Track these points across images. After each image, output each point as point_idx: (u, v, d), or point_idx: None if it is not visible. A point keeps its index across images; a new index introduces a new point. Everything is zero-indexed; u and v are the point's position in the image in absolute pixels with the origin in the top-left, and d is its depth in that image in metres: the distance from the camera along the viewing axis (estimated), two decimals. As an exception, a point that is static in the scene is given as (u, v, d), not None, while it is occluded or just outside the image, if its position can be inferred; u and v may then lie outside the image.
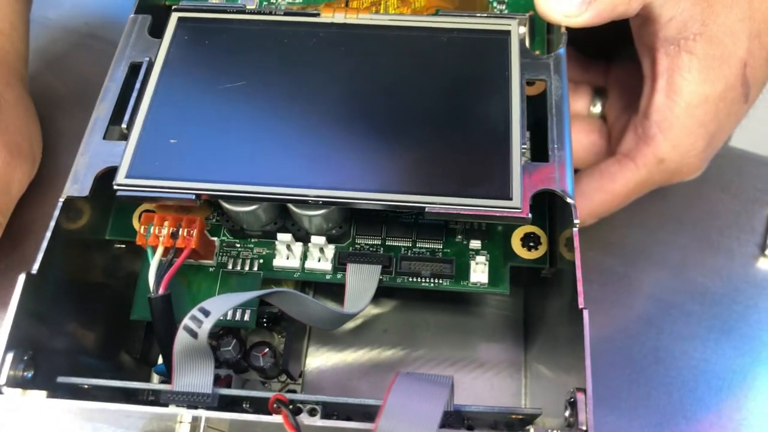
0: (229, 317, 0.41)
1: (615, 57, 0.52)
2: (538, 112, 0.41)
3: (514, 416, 0.35)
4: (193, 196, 0.38)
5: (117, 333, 0.45)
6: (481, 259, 0.41)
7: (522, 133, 0.38)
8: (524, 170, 0.38)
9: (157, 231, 0.39)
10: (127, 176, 0.38)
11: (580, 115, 0.51)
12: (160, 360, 0.47)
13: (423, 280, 0.41)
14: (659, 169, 0.45)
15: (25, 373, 0.35)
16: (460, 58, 0.42)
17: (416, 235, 0.42)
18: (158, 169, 0.38)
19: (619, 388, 0.48)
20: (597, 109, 0.51)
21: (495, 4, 0.48)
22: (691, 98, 0.43)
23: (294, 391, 0.48)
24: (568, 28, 0.42)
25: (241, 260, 0.42)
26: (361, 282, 0.40)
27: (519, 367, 0.49)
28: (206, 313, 0.34)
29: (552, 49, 0.43)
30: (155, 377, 0.47)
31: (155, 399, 0.37)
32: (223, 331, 0.43)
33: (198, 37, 0.43)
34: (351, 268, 0.40)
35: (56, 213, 0.38)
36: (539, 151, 0.40)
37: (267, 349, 0.43)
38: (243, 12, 0.44)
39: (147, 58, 0.42)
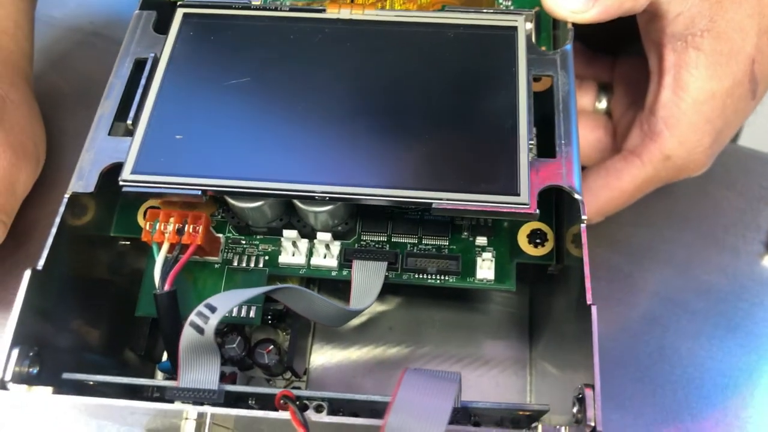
0: (234, 314, 0.41)
1: (621, 52, 0.52)
2: (544, 108, 0.41)
3: (521, 413, 0.35)
4: (199, 192, 0.38)
5: (121, 330, 0.45)
6: (487, 255, 0.41)
7: (529, 129, 0.38)
8: (531, 166, 0.38)
9: (162, 227, 0.39)
10: (133, 172, 0.38)
11: (586, 111, 0.51)
12: (165, 357, 0.47)
13: (429, 277, 0.41)
14: (665, 165, 0.45)
15: (31, 369, 0.35)
16: (466, 54, 0.41)
17: (422, 231, 0.42)
18: (164, 164, 0.38)
19: (624, 386, 0.48)
20: (602, 105, 0.51)
21: (501, 0, 0.47)
22: (698, 94, 0.43)
23: (298, 389, 0.48)
24: (574, 24, 0.42)
25: (246, 257, 0.42)
26: (367, 278, 0.40)
27: (524, 365, 0.49)
28: (212, 309, 0.34)
29: (558, 45, 0.43)
30: (159, 374, 0.47)
31: (160, 396, 0.37)
32: (227, 328, 0.43)
33: (203, 33, 0.43)
34: (357, 264, 0.40)
35: (61, 209, 0.38)
36: (546, 148, 0.39)
37: (272, 347, 0.43)
38: (248, 8, 0.44)
39: (152, 54, 0.42)
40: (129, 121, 0.40)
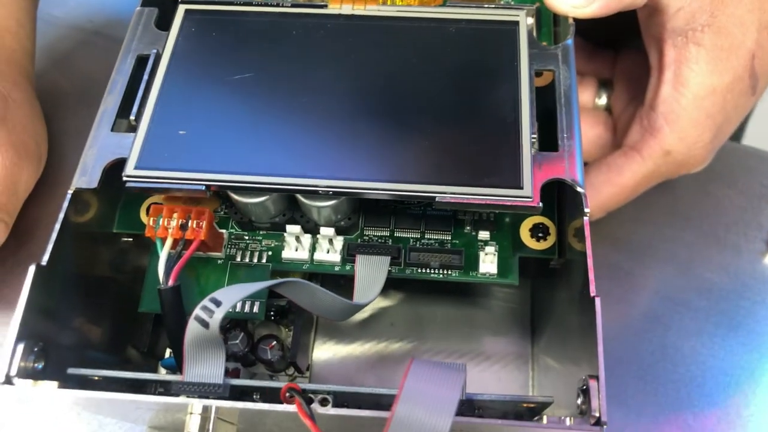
0: (238, 309, 0.41)
1: (622, 47, 0.52)
2: (546, 103, 0.41)
3: (525, 405, 0.35)
4: (203, 187, 0.38)
5: (124, 327, 0.45)
6: (489, 249, 0.41)
7: (531, 123, 0.39)
8: (534, 160, 0.38)
9: (166, 223, 0.39)
10: (136, 167, 0.38)
11: (586, 107, 0.51)
12: (167, 354, 0.47)
13: (432, 271, 0.41)
14: (666, 161, 0.45)
15: (36, 365, 0.35)
16: (468, 49, 0.42)
17: (425, 226, 0.42)
18: (167, 160, 0.38)
19: (626, 384, 0.48)
20: (602, 101, 0.51)
21: (502, -4, 0.48)
22: (698, 90, 0.43)
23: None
24: (575, 19, 0.42)
25: (249, 252, 0.42)
26: (371, 273, 0.40)
27: (526, 360, 0.49)
28: (217, 303, 0.34)
29: (559, 42, 0.43)
30: (162, 371, 0.47)
31: (165, 391, 0.37)
32: (230, 324, 0.43)
33: (205, 29, 0.43)
34: (360, 259, 0.40)
35: (65, 205, 0.38)
36: (548, 142, 0.40)
37: (275, 342, 0.43)
38: (250, 4, 0.44)
39: (154, 51, 0.42)
40: (132, 117, 0.40)
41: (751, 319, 0.50)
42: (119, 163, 0.39)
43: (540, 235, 0.42)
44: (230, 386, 0.34)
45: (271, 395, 0.36)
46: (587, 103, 0.51)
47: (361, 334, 0.50)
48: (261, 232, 0.43)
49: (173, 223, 0.39)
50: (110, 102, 0.41)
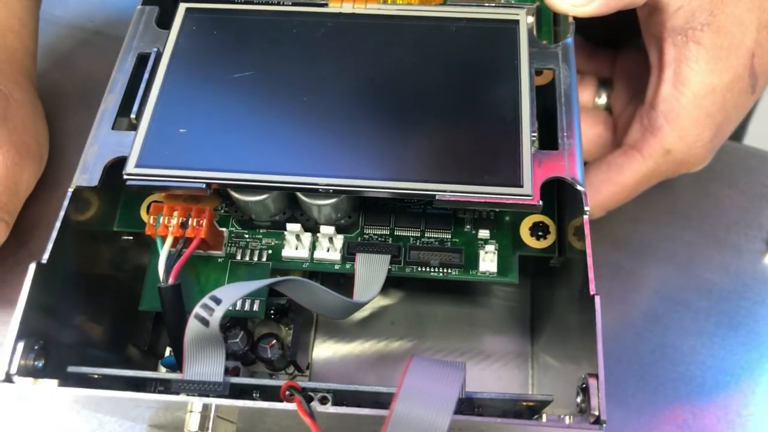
0: (238, 307, 0.41)
1: (622, 46, 0.52)
2: (546, 102, 0.41)
3: (525, 403, 0.35)
4: (204, 185, 0.38)
5: (124, 325, 0.45)
6: (489, 248, 0.41)
7: (531, 121, 0.39)
8: (534, 158, 0.38)
9: (166, 221, 0.39)
10: (137, 165, 0.38)
11: (586, 106, 0.51)
12: (168, 352, 0.47)
13: (432, 270, 0.41)
14: (666, 160, 0.45)
15: (36, 363, 0.35)
16: (468, 48, 0.42)
17: (425, 224, 0.42)
18: (168, 158, 0.38)
19: (626, 383, 0.48)
20: (602, 100, 0.51)
21: (502, -6, 0.48)
22: (698, 89, 0.43)
23: (302, 383, 0.48)
24: (575, 18, 0.42)
25: (249, 251, 0.42)
26: (371, 271, 0.40)
27: (526, 358, 0.49)
28: (217, 301, 0.34)
29: (559, 41, 0.43)
30: (163, 370, 0.47)
31: (165, 389, 0.37)
32: (230, 323, 0.43)
33: (206, 28, 0.43)
34: (360, 257, 0.40)
35: (65, 203, 0.38)
36: (548, 140, 0.40)
37: (275, 341, 0.43)
38: (251, 2, 0.44)
39: (155, 49, 0.42)
40: (132, 116, 0.40)
41: (751, 319, 0.50)
42: (120, 162, 0.39)
43: (540, 233, 0.42)
44: (230, 384, 0.35)
45: (270, 394, 0.36)
46: (587, 102, 0.51)
47: (361, 333, 0.50)
48: (261, 231, 0.43)
49: (174, 222, 0.39)
50: (111, 100, 0.41)
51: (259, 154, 0.39)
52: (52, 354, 0.36)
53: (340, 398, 0.34)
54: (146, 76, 0.42)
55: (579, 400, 0.33)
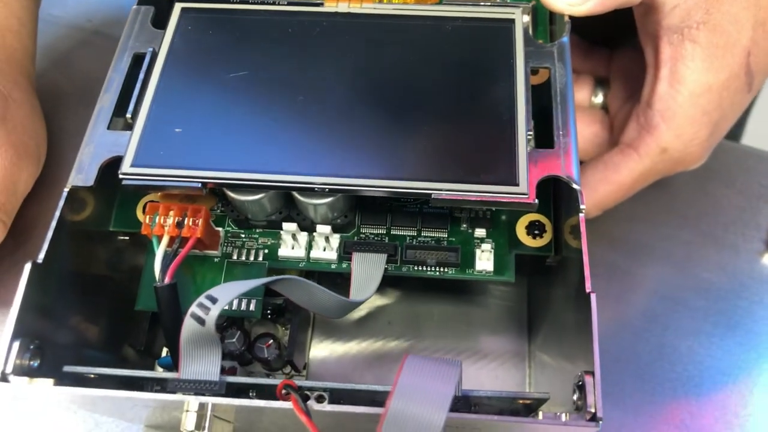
0: (234, 307, 0.41)
1: (618, 45, 0.52)
2: (542, 101, 0.41)
3: (521, 401, 0.35)
4: (200, 185, 0.38)
5: (120, 326, 0.45)
6: (486, 247, 0.41)
7: (527, 120, 0.39)
8: (530, 157, 0.38)
9: (162, 221, 0.39)
10: (133, 165, 0.38)
11: (582, 106, 0.51)
12: (164, 353, 0.47)
13: (428, 269, 0.41)
14: (662, 158, 0.45)
15: (32, 362, 0.35)
16: (464, 47, 0.42)
17: (421, 224, 0.42)
18: (164, 158, 0.38)
19: (623, 383, 0.48)
20: (599, 99, 0.51)
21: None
22: (694, 87, 0.43)
23: (299, 383, 0.48)
24: (571, 17, 0.42)
25: (246, 250, 0.42)
26: (367, 270, 0.40)
27: (523, 358, 0.49)
28: (213, 300, 0.34)
29: (555, 39, 0.43)
30: (159, 370, 0.47)
31: (161, 389, 0.37)
32: (227, 323, 0.43)
33: (201, 28, 0.43)
34: (356, 257, 0.41)
35: (61, 203, 0.38)
36: (544, 139, 0.40)
37: (271, 341, 0.43)
38: (246, 2, 0.44)
39: (150, 49, 0.43)
40: (128, 115, 0.40)
41: (748, 318, 0.50)
42: (115, 161, 0.39)
43: (536, 232, 0.42)
44: (226, 383, 0.34)
45: (267, 392, 0.36)
46: (584, 101, 0.51)
47: (358, 333, 0.50)
48: (257, 230, 0.43)
49: (169, 221, 0.39)
50: (106, 100, 0.41)
51: (255, 153, 0.39)
52: (48, 354, 0.36)
53: (337, 397, 0.34)
54: (142, 75, 0.42)
55: (575, 397, 0.33)
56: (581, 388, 0.33)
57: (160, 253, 0.38)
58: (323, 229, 0.41)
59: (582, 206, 0.37)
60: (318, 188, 0.38)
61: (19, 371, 0.34)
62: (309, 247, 0.42)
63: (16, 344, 0.34)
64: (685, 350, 0.49)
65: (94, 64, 0.60)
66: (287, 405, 0.32)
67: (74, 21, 0.66)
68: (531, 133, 0.39)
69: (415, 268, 0.41)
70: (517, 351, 0.49)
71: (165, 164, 0.38)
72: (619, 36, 0.51)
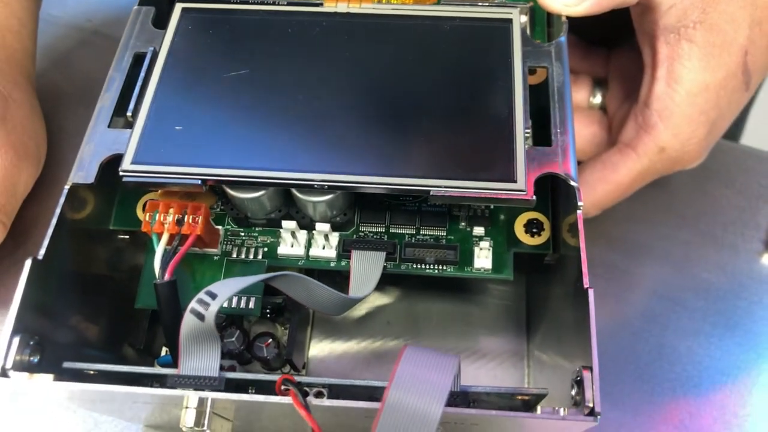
0: (234, 305, 0.41)
1: (616, 45, 0.52)
2: (540, 101, 0.42)
3: (520, 397, 0.35)
4: (200, 182, 0.38)
5: (120, 325, 0.45)
6: (484, 245, 0.41)
7: (525, 118, 0.39)
8: (527, 154, 0.38)
9: (162, 218, 0.39)
10: (133, 162, 0.38)
11: (580, 106, 0.51)
12: (164, 352, 0.47)
13: (427, 267, 0.41)
14: (660, 157, 0.45)
15: (32, 358, 0.35)
16: (462, 46, 0.42)
17: (420, 222, 0.42)
18: (164, 155, 0.39)
19: (623, 383, 0.48)
20: (597, 99, 0.51)
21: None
22: (691, 86, 0.43)
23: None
24: (568, 17, 0.42)
25: (245, 248, 0.42)
26: (366, 268, 0.40)
27: (522, 356, 0.49)
28: (213, 296, 0.34)
29: (552, 39, 0.44)
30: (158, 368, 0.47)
31: (160, 385, 0.37)
32: (226, 321, 0.43)
33: (202, 28, 0.43)
34: (355, 254, 0.41)
35: (61, 200, 0.38)
36: (542, 138, 0.40)
37: (270, 340, 0.43)
38: (246, 2, 0.44)
39: (151, 49, 0.43)
40: (129, 113, 0.40)
41: (748, 319, 0.51)
42: (116, 159, 0.39)
43: (534, 230, 0.42)
44: (226, 379, 0.35)
45: (266, 388, 0.36)
46: (582, 102, 0.52)
47: (358, 332, 0.51)
48: (257, 229, 0.43)
49: (169, 218, 0.39)
50: (107, 99, 0.41)
51: (255, 151, 0.39)
52: (48, 350, 0.36)
53: (336, 393, 0.35)
54: (142, 75, 0.42)
55: (573, 392, 0.33)
56: (579, 383, 0.33)
57: (159, 250, 0.39)
58: (322, 227, 0.41)
59: (580, 203, 0.37)
60: (317, 185, 0.38)
61: (19, 367, 0.34)
62: (308, 245, 0.42)
63: (16, 340, 0.34)
64: (684, 350, 0.49)
65: (94, 64, 0.61)
66: (287, 400, 0.32)
67: (74, 21, 0.66)
68: (529, 131, 0.39)
69: (414, 266, 0.42)
70: (515, 350, 0.50)
71: (165, 162, 0.38)
72: (616, 36, 0.52)
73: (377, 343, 0.50)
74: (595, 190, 0.47)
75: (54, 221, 0.37)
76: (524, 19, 0.43)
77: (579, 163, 0.46)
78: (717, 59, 0.43)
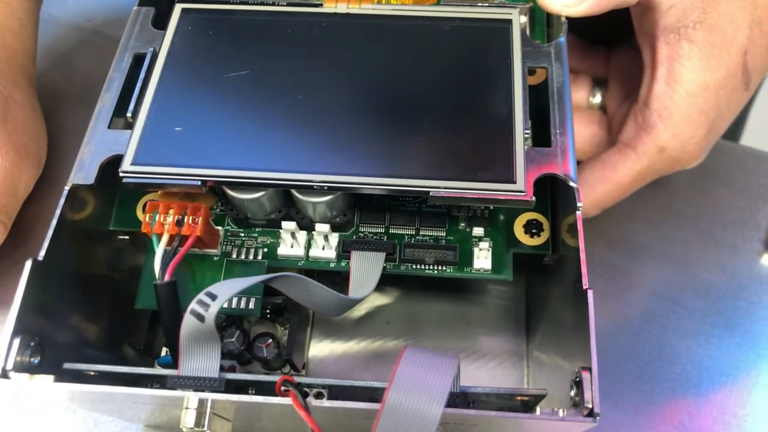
0: (234, 305, 0.41)
1: (616, 44, 0.52)
2: (539, 102, 0.41)
3: (519, 398, 0.35)
4: (199, 183, 0.38)
5: (120, 325, 0.45)
6: (484, 245, 0.41)
7: (524, 119, 0.39)
8: (527, 155, 0.38)
9: (162, 219, 0.39)
10: (133, 163, 0.38)
11: (580, 106, 0.51)
12: (164, 352, 0.47)
13: (427, 267, 0.42)
14: (660, 157, 0.45)
15: (32, 359, 0.35)
16: (462, 47, 0.42)
17: (420, 222, 0.42)
18: (164, 156, 0.39)
19: (622, 383, 0.48)
20: (597, 99, 0.51)
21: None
22: (691, 86, 0.43)
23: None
24: (568, 18, 0.42)
25: (245, 249, 0.42)
26: (366, 269, 0.40)
27: (521, 357, 0.49)
28: (213, 297, 0.34)
29: (552, 40, 0.44)
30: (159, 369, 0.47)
31: (160, 386, 0.37)
32: (226, 322, 0.43)
33: (202, 28, 0.43)
34: (355, 255, 0.41)
35: (62, 201, 0.38)
36: (541, 139, 0.40)
37: (270, 340, 0.43)
38: (246, 2, 0.44)
39: (151, 49, 0.43)
40: (128, 114, 0.40)
41: (747, 319, 0.51)
42: (116, 160, 0.39)
43: (534, 231, 0.42)
44: (226, 380, 0.35)
45: (266, 389, 0.36)
46: (582, 101, 0.52)
47: (357, 332, 0.51)
48: (257, 229, 0.43)
49: (169, 219, 0.39)
50: (107, 100, 0.41)
51: (255, 152, 0.39)
52: (48, 351, 0.36)
53: (336, 394, 0.35)
54: (142, 75, 0.42)
55: (573, 393, 0.33)
56: (578, 384, 0.33)
57: (159, 250, 0.39)
58: (322, 227, 0.41)
59: (579, 204, 0.37)
60: (317, 186, 0.38)
61: (20, 368, 0.34)
62: (308, 245, 0.42)
63: (17, 341, 0.34)
64: (684, 350, 0.49)
65: (94, 64, 0.61)
66: (286, 401, 0.33)
67: (74, 21, 0.66)
68: (528, 131, 0.39)
69: (414, 266, 0.42)
70: (515, 350, 0.50)
71: (165, 162, 0.38)
72: (616, 35, 0.52)
73: (377, 343, 0.50)
74: (595, 190, 0.47)
75: (54, 222, 0.37)
76: (524, 19, 0.43)
77: (579, 162, 0.47)
78: (717, 59, 0.43)
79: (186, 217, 0.39)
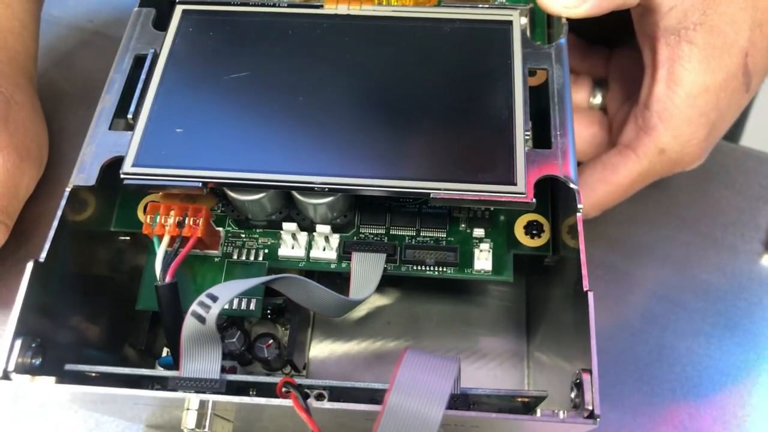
0: (234, 306, 0.41)
1: (617, 45, 0.52)
2: (540, 103, 0.42)
3: (520, 399, 0.35)
4: (200, 184, 0.38)
5: (121, 326, 0.45)
6: (484, 246, 0.41)
7: (525, 120, 0.39)
8: (527, 157, 0.38)
9: (163, 220, 0.39)
10: (134, 165, 0.39)
11: (580, 107, 0.51)
12: (165, 353, 0.47)
13: (427, 269, 0.42)
14: (660, 159, 0.45)
15: (33, 361, 0.35)
16: (462, 48, 0.42)
17: (420, 223, 0.42)
18: (165, 157, 0.39)
19: (622, 383, 0.48)
20: (597, 100, 0.51)
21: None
22: (691, 88, 0.43)
23: (298, 383, 0.48)
24: (568, 19, 0.42)
25: (246, 250, 0.42)
26: (367, 270, 0.40)
27: (522, 358, 0.49)
28: (214, 299, 0.34)
29: (552, 41, 0.44)
30: (160, 369, 0.47)
31: (162, 387, 0.37)
32: (227, 322, 0.43)
33: (202, 30, 0.43)
34: (356, 256, 0.41)
35: (63, 202, 0.38)
36: (542, 140, 0.40)
37: (271, 341, 0.44)
38: (247, 4, 0.44)
39: (152, 50, 0.43)
40: (129, 116, 0.40)
41: (747, 320, 0.51)
42: (117, 162, 0.39)
43: (534, 232, 0.42)
44: (227, 381, 0.35)
45: (267, 390, 0.36)
46: (582, 102, 0.52)
47: (358, 333, 0.51)
48: (257, 230, 0.43)
49: (170, 221, 0.39)
50: (108, 101, 0.41)
51: (255, 153, 0.39)
52: (50, 352, 0.36)
53: (337, 395, 0.35)
54: (143, 76, 0.42)
55: (573, 395, 0.33)
56: (579, 385, 0.33)
57: (160, 252, 0.39)
58: (323, 228, 0.41)
59: (579, 205, 0.37)
60: (318, 188, 0.38)
61: (21, 369, 0.34)
62: (309, 246, 0.42)
63: (18, 342, 0.34)
64: (684, 351, 0.49)
65: (95, 65, 0.61)
66: (287, 402, 0.33)
67: (75, 21, 0.66)
68: (529, 133, 0.39)
69: (414, 267, 0.42)
70: (515, 351, 0.50)
71: (166, 164, 0.39)
72: (617, 36, 0.51)
73: (378, 343, 0.50)
74: (595, 191, 0.47)
75: (55, 223, 0.37)
76: (524, 20, 0.43)
77: (579, 163, 0.47)
78: (717, 61, 0.43)
79: (187, 219, 0.39)
